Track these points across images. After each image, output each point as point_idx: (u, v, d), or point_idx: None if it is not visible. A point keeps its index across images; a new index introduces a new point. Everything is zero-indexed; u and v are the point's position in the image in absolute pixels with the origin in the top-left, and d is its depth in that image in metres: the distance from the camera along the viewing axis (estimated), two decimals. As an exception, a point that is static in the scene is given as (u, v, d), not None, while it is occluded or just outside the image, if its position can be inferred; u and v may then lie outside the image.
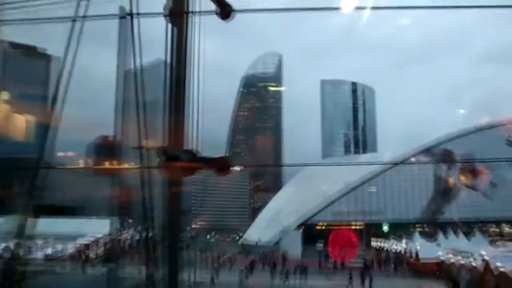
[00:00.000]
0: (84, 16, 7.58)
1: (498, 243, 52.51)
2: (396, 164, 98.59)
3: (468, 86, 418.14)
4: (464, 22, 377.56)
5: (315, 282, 43.42)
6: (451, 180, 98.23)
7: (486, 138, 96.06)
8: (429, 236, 63.52)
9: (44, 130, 8.43)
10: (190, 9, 6.35)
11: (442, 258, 45.52)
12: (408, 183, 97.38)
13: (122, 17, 7.30)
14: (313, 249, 65.99)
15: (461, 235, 57.14)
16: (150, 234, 7.56)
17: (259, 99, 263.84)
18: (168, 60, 6.23)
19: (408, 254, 54.21)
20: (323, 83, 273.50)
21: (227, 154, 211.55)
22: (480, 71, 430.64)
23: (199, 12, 6.40)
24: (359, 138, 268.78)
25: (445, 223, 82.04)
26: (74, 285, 38.82)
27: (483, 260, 36.21)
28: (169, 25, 6.25)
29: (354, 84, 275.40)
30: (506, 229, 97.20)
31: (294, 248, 71.56)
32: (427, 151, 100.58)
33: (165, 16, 6.29)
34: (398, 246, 61.37)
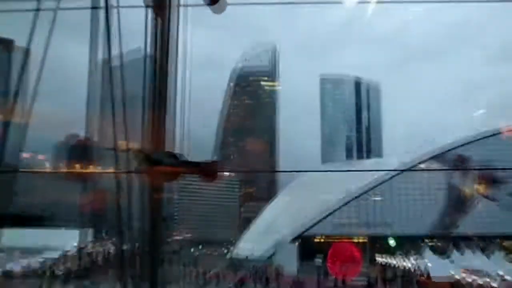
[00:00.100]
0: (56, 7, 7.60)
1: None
2: (404, 170, 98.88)
3: (485, 85, 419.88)
4: (480, 15, 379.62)
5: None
6: (467, 190, 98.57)
7: (506, 142, 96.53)
8: (442, 252, 63.74)
9: (5, 128, 8.39)
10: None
11: (457, 277, 45.66)
12: (417, 192, 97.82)
13: (96, 6, 7.34)
14: (311, 264, 65.93)
15: (478, 252, 57.37)
16: (127, 247, 7.56)
17: (251, 96, 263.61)
18: (149, 51, 6.26)
19: (417, 272, 54.40)
20: (323, 79, 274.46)
21: (215, 158, 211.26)
22: (498, 68, 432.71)
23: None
24: (363, 141, 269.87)
25: (460, 237, 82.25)
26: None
27: (503, 280, 36.38)
28: (150, 12, 6.28)
29: (357, 81, 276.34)
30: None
31: (290, 263, 71.59)
32: (440, 156, 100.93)
33: (146, 3, 6.32)
34: (406, 262, 61.55)
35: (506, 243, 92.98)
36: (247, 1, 7.16)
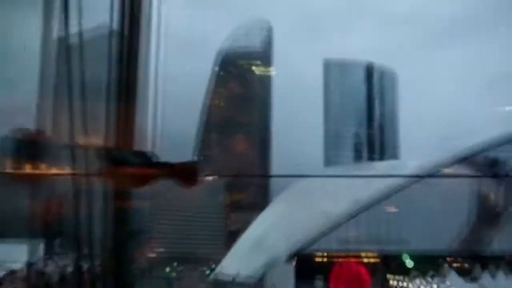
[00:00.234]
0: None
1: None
2: (424, 176, 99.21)
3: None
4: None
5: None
6: (499, 200, 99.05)
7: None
8: (467, 274, 64.10)
9: None
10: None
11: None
12: (439, 202, 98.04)
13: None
14: (310, 286, 66.22)
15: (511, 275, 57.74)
16: (87, 265, 7.55)
17: (240, 83, 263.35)
18: (116, 28, 6.24)
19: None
20: (328, 64, 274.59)
21: (195, 159, 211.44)
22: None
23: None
24: (375, 140, 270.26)
25: (490, 257, 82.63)
26: None
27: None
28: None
29: (369, 67, 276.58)
30: None
31: (285, 284, 71.75)
32: (467, 159, 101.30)
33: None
34: (424, 285, 61.79)
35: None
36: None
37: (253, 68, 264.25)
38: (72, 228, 7.30)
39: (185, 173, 6.38)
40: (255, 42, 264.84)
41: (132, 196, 6.29)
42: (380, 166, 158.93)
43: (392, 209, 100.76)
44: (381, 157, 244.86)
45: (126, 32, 6.25)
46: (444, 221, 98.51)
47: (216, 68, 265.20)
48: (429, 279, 62.40)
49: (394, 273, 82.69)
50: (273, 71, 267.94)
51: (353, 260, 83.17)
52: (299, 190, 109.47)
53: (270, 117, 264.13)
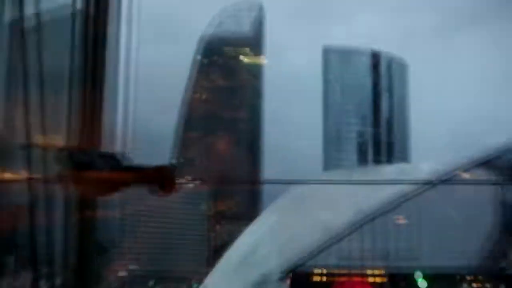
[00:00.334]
0: None
1: None
2: (439, 182, 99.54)
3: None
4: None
5: None
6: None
7: None
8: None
9: None
10: None
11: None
12: (456, 212, 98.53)
13: None
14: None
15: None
16: (48, 282, 7.53)
17: (226, 74, 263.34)
18: (80, 8, 6.20)
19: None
20: (327, 51, 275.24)
21: (173, 161, 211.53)
22: None
23: None
24: (382, 140, 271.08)
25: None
26: None
27: None
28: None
29: (375, 55, 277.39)
30: None
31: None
32: (488, 163, 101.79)
33: None
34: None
35: None
36: None
37: (241, 56, 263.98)
38: (28, 242, 7.25)
39: (160, 178, 6.34)
40: (243, 26, 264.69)
41: (99, 205, 6.26)
42: (388, 170, 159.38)
43: (402, 220, 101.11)
44: (389, 160, 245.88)
45: (91, 12, 6.19)
46: (462, 234, 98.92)
47: (199, 56, 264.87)
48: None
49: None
50: (264, 60, 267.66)
51: (356, 278, 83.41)
52: (294, 198, 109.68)
53: (261, 113, 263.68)
